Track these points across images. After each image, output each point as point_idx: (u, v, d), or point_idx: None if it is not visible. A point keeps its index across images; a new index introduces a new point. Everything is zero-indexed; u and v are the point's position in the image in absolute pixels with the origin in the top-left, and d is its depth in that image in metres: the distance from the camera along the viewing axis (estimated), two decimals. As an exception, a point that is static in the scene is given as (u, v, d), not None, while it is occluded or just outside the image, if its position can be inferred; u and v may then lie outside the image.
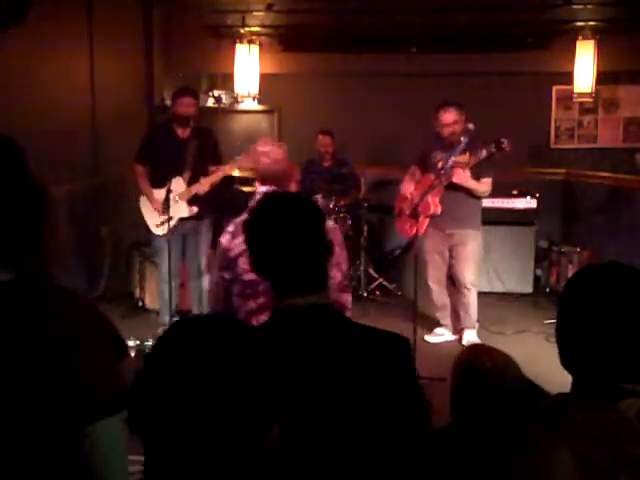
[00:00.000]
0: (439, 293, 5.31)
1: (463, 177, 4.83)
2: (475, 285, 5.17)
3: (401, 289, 6.36)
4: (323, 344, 1.52)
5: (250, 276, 2.62)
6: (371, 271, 6.46)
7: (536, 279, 6.39)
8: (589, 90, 6.45)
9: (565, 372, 1.45)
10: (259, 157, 2.91)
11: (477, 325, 5.22)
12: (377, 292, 6.39)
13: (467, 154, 4.92)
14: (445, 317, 5.35)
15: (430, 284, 5.28)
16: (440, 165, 5.00)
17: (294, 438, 1.46)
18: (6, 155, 1.32)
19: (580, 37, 6.40)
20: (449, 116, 4.93)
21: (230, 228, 2.78)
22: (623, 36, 6.55)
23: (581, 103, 6.88)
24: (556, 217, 6.81)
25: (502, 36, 6.76)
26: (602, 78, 6.52)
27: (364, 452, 1.47)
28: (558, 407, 1.36)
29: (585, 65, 6.39)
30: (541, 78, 6.80)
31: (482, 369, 1.99)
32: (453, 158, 4.93)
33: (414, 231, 5.10)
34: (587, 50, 6.37)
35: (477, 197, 5.05)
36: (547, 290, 6.30)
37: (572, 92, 6.56)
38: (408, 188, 5.23)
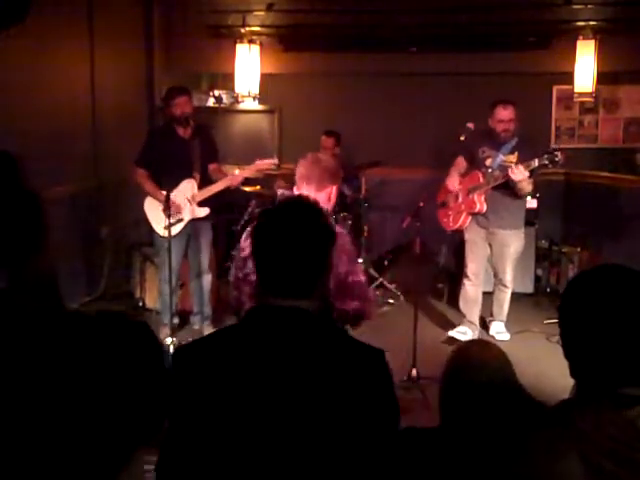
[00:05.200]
0: (475, 286, 5.25)
1: (522, 174, 4.73)
2: (511, 285, 5.25)
3: (402, 289, 6.35)
4: (293, 346, 1.51)
5: (255, 277, 2.63)
6: (371, 271, 6.46)
7: (537, 279, 6.38)
8: (589, 90, 6.44)
9: (566, 371, 1.45)
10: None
11: (505, 318, 5.32)
12: (378, 292, 6.39)
13: (516, 154, 4.96)
14: (474, 314, 5.28)
15: (469, 274, 5.24)
16: (489, 162, 5.02)
17: (249, 440, 1.45)
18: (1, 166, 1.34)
19: (580, 37, 6.39)
20: (507, 113, 4.95)
21: (249, 227, 2.77)
22: (623, 36, 6.54)
23: (581, 103, 6.87)
24: (556, 217, 6.80)
25: (502, 36, 6.75)
26: (602, 78, 6.51)
27: (326, 458, 1.45)
28: (566, 414, 1.36)
29: (585, 65, 6.38)
30: (541, 78, 6.80)
31: (466, 361, 1.98)
32: (502, 157, 4.97)
33: (457, 225, 5.21)
34: (587, 50, 6.36)
35: (521, 197, 5.06)
36: (548, 290, 6.30)
37: (572, 92, 6.55)
38: (454, 182, 5.20)
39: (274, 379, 1.48)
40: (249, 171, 5.05)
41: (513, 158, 4.97)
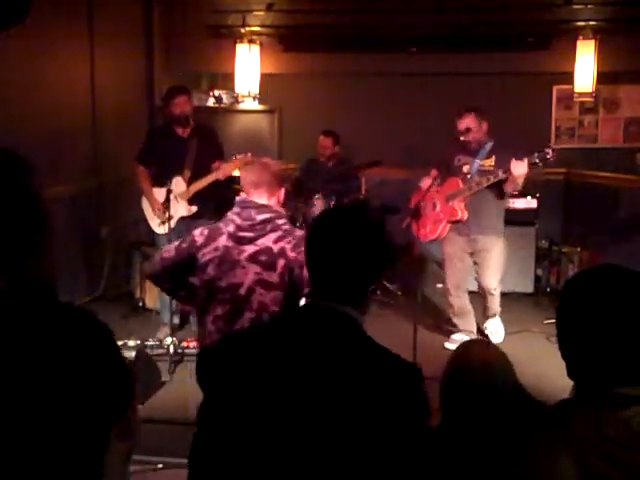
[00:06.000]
0: (457, 298, 5.16)
1: (522, 167, 4.56)
2: (498, 289, 5.13)
3: (402, 289, 6.35)
4: (329, 349, 1.49)
5: (220, 284, 2.71)
6: (371, 271, 6.44)
7: (537, 279, 6.38)
8: (589, 90, 6.45)
9: (565, 371, 1.45)
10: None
11: (499, 311, 5.21)
12: (377, 292, 6.38)
13: (493, 158, 4.88)
14: (466, 323, 5.17)
15: (449, 288, 5.15)
16: (466, 169, 4.94)
17: (273, 439, 1.45)
18: (9, 167, 1.34)
19: (580, 37, 6.39)
20: (463, 123, 4.86)
21: (206, 232, 2.80)
22: (623, 36, 6.55)
23: (581, 103, 6.87)
24: (556, 217, 6.80)
25: (502, 36, 6.75)
26: (602, 78, 6.51)
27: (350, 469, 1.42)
28: (560, 414, 1.36)
29: (585, 65, 6.39)
30: (541, 78, 6.80)
31: (469, 364, 1.99)
32: (479, 162, 4.89)
33: (434, 235, 5.05)
34: (587, 50, 6.37)
35: (502, 200, 4.98)
36: (548, 290, 6.29)
37: (572, 92, 6.56)
38: (427, 181, 5.03)
39: (307, 381, 1.47)
40: (224, 170, 5.01)
41: (490, 162, 4.88)
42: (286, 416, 1.46)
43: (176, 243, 2.87)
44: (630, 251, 5.57)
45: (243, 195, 2.82)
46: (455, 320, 5.23)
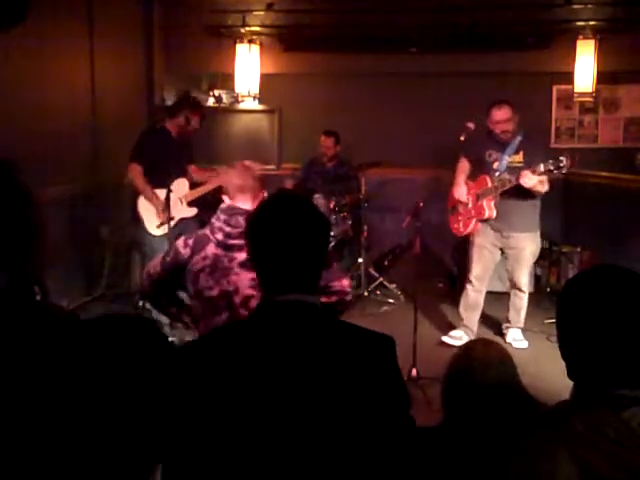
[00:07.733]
0: (477, 292, 5.15)
1: (532, 180, 4.65)
2: (527, 287, 5.14)
3: (402, 288, 6.35)
4: (303, 339, 1.53)
5: (212, 293, 2.64)
6: (371, 271, 6.46)
7: (537, 279, 6.38)
8: (589, 90, 6.45)
9: (565, 371, 1.45)
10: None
11: (522, 325, 5.20)
12: (377, 292, 6.39)
13: (521, 153, 4.91)
14: (471, 318, 5.18)
15: (472, 279, 5.14)
16: (496, 166, 4.96)
17: (268, 431, 1.47)
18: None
19: (580, 37, 6.40)
20: (501, 113, 4.89)
21: (190, 242, 2.75)
22: (623, 36, 6.55)
23: (581, 103, 6.87)
24: (556, 217, 6.79)
25: (502, 36, 6.75)
26: (602, 78, 6.51)
27: (341, 448, 1.47)
28: (560, 415, 1.36)
29: (585, 65, 6.39)
30: (541, 78, 6.80)
31: (470, 362, 1.99)
32: (507, 158, 4.92)
33: (467, 230, 5.13)
34: (587, 50, 6.37)
35: (534, 198, 4.96)
36: (548, 290, 6.29)
37: (572, 92, 6.56)
38: (462, 192, 5.12)
39: (289, 373, 1.49)
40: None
41: (519, 157, 4.90)
42: (275, 411, 1.47)
43: (159, 258, 2.81)
44: (630, 251, 5.57)
45: (228, 201, 2.77)
46: (462, 312, 5.21)
